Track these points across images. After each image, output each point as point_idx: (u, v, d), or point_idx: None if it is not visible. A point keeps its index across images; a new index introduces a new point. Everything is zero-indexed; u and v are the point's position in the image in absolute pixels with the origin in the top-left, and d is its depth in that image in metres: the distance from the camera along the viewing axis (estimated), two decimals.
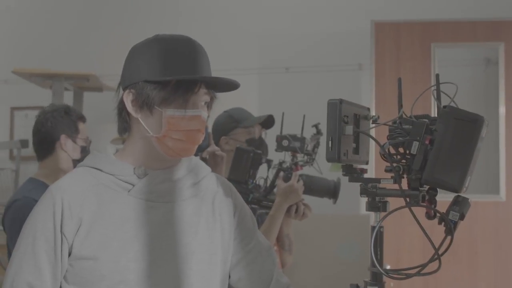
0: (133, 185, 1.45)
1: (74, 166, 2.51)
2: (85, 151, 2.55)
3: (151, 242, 1.43)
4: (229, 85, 1.48)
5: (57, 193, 1.42)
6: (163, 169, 1.49)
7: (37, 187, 2.44)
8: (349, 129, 1.25)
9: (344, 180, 2.46)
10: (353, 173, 1.32)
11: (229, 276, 1.58)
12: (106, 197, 1.43)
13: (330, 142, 1.25)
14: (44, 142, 2.54)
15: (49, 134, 2.54)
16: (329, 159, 1.26)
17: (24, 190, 2.46)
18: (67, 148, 2.52)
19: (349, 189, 2.72)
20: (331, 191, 2.53)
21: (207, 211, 1.53)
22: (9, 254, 2.45)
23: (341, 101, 1.25)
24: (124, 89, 1.47)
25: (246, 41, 4.68)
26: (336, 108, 1.24)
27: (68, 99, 4.57)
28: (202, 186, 1.55)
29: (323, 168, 2.45)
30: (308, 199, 2.54)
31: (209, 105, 1.49)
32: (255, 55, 4.73)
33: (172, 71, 1.40)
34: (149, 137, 1.44)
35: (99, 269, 1.38)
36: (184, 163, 1.53)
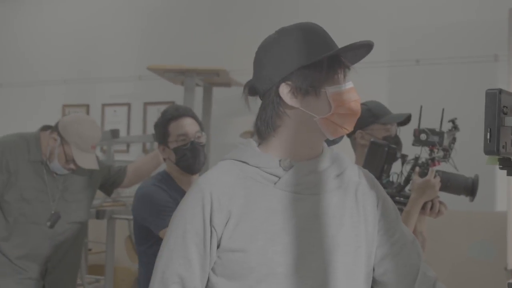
0: (279, 177, 1.45)
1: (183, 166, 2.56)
2: (181, 150, 2.54)
3: (299, 235, 1.42)
4: (360, 55, 1.48)
5: (206, 186, 1.44)
6: (308, 160, 1.49)
7: (164, 180, 2.55)
8: (509, 121, 1.19)
9: (479, 175, 2.36)
10: (511, 167, 1.26)
11: (373, 270, 1.55)
12: (253, 189, 1.44)
13: (488, 134, 1.19)
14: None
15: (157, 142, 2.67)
16: (487, 152, 1.20)
17: (153, 179, 2.57)
18: (166, 154, 2.59)
19: (485, 185, 2.60)
20: (469, 189, 2.43)
21: (351, 203, 1.51)
22: (136, 238, 2.56)
23: (500, 91, 1.19)
24: (268, 87, 1.46)
25: (376, 34, 4.60)
26: (495, 99, 1.19)
27: (197, 94, 4.72)
28: (345, 177, 1.53)
29: (459, 165, 2.36)
30: (440, 194, 2.46)
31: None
32: (384, 48, 4.65)
33: (319, 51, 1.42)
34: (309, 123, 1.44)
35: (248, 262, 1.39)
36: (327, 153, 1.53)
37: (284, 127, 1.48)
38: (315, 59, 1.41)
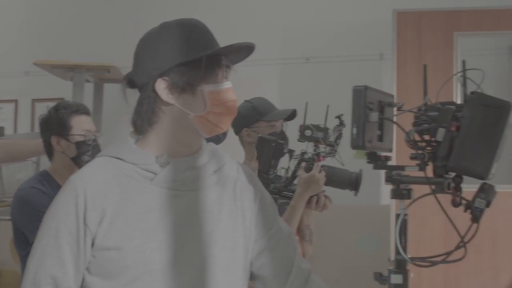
0: (156, 174, 1.44)
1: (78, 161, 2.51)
2: (85, 145, 2.52)
3: (175, 231, 1.42)
4: (244, 56, 1.50)
5: (80, 184, 1.41)
6: (185, 156, 1.48)
7: (45, 180, 2.48)
8: (374, 116, 1.23)
9: (364, 170, 2.45)
10: (377, 161, 1.31)
11: (251, 264, 1.56)
12: (129, 187, 1.42)
13: (355, 129, 1.24)
14: (45, 145, 2.56)
15: (44, 136, 2.56)
16: (354, 146, 1.24)
17: (32, 180, 2.49)
18: (61, 147, 2.52)
19: (369, 180, 2.69)
20: (353, 183, 2.49)
21: (229, 198, 1.52)
22: (16, 242, 2.46)
23: (366, 87, 1.24)
24: (145, 81, 1.45)
25: (267, 32, 4.66)
26: (361, 95, 1.23)
27: (88, 90, 4.60)
28: (223, 173, 1.54)
29: (345, 160, 2.43)
30: (328, 188, 2.52)
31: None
32: (275, 46, 4.72)
33: (199, 49, 1.42)
34: (184, 120, 1.43)
35: (123, 260, 1.38)
36: (205, 149, 1.53)
37: (160, 123, 1.46)
38: (194, 56, 1.40)
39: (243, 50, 1.49)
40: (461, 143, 1.19)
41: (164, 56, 1.43)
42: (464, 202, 1.23)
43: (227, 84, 1.45)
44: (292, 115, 2.69)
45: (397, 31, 3.99)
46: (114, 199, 1.40)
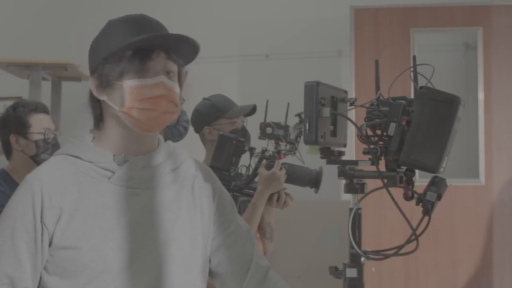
0: (113, 173, 1.43)
1: (37, 159, 2.49)
2: (45, 143, 2.51)
3: (133, 230, 1.41)
4: (191, 51, 1.46)
5: (36, 183, 1.39)
6: (142, 154, 1.47)
7: (2, 179, 2.47)
8: (326, 111, 1.24)
9: (325, 166, 2.46)
10: (330, 156, 1.32)
11: (209, 261, 1.57)
12: (86, 185, 1.41)
13: (307, 124, 1.25)
14: (3, 144, 2.55)
15: (2, 135, 2.55)
16: (306, 142, 1.25)
17: None
18: (20, 146, 2.50)
19: (331, 175, 2.72)
20: (313, 181, 2.51)
21: (187, 196, 1.52)
22: None
23: (317, 83, 1.24)
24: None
25: (225, 29, 4.67)
26: (313, 90, 1.24)
27: (46, 89, 4.53)
28: (181, 171, 1.54)
29: (306, 158, 2.44)
30: (289, 186, 2.54)
31: (180, 77, 1.48)
32: (235, 43, 4.72)
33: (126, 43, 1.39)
34: (119, 115, 1.42)
35: (81, 259, 1.37)
36: (162, 148, 1.52)
37: (105, 120, 1.48)
38: (110, 50, 1.39)
39: (186, 45, 1.43)
40: (411, 137, 1.21)
41: (95, 55, 1.45)
42: (415, 195, 1.25)
43: (156, 79, 1.40)
44: (252, 110, 2.70)
45: (354, 28, 4.04)
46: (71, 197, 1.39)
